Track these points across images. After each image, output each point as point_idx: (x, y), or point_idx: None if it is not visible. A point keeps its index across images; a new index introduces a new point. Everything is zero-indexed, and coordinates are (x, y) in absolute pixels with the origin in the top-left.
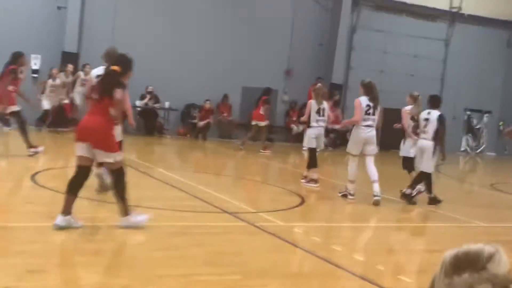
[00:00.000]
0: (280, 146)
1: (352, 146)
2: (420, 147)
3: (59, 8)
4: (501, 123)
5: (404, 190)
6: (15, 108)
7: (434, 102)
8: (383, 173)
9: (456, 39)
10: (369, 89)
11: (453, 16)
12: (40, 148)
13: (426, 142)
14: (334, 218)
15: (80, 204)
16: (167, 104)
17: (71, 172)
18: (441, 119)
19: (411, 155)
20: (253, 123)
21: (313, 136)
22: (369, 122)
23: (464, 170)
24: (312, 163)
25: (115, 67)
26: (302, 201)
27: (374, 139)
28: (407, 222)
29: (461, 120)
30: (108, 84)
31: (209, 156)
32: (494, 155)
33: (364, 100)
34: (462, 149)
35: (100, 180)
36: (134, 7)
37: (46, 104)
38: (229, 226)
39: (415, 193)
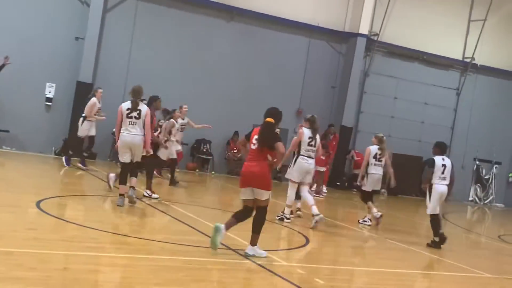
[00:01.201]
0: (287, 184)
1: (294, 174)
2: (441, 193)
3: (77, 39)
4: (510, 174)
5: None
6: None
7: (445, 148)
8: (397, 220)
9: (468, 88)
10: (312, 123)
11: (466, 66)
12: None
13: (446, 188)
14: (338, 260)
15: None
16: None
17: (76, 201)
18: (452, 164)
19: (369, 189)
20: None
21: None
22: (311, 153)
23: (471, 220)
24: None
25: (270, 119)
26: (307, 242)
27: (313, 170)
28: (411, 269)
29: (470, 170)
30: (268, 138)
31: (217, 192)
32: (503, 206)
33: (307, 132)
34: (470, 198)
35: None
36: (150, 41)
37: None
38: (232, 262)
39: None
